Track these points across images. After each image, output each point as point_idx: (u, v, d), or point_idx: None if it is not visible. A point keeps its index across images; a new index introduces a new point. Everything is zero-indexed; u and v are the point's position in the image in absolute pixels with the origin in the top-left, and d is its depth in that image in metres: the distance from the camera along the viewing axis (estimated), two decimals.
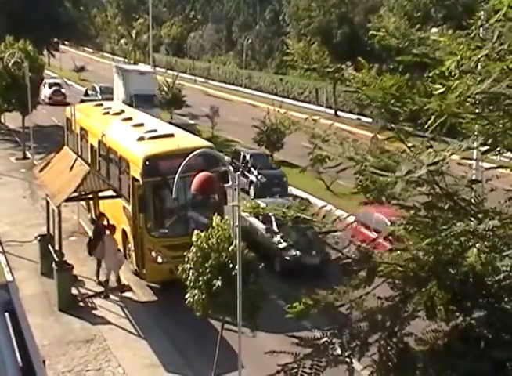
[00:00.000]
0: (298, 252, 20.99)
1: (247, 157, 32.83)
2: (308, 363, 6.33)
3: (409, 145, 6.37)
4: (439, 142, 6.05)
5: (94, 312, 18.68)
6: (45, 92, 52.05)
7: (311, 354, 6.32)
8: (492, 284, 5.61)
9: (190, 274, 14.28)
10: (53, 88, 54.51)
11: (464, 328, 5.90)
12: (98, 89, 52.81)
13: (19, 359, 4.39)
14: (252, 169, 31.74)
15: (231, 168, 15.16)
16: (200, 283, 14.08)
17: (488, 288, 5.65)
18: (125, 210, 20.99)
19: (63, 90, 53.28)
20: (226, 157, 28.73)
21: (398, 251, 6.27)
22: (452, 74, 5.72)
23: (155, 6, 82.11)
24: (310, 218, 6.77)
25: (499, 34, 5.42)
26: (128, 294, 19.94)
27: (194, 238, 14.41)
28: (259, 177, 31.15)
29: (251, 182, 31.21)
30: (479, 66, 5.69)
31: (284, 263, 21.11)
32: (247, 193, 30.10)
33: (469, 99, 5.68)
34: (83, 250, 23.03)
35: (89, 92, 53.16)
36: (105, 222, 21.05)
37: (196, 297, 14.14)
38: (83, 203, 25.41)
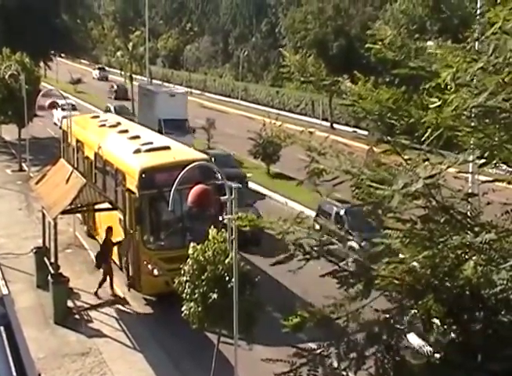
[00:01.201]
0: None
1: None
2: (305, 374, 6.31)
3: (406, 158, 6.38)
4: (436, 155, 6.06)
5: (89, 324, 18.61)
6: (58, 115, 45.77)
7: (307, 363, 6.29)
8: (488, 297, 5.61)
9: (186, 287, 14.26)
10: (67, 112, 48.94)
11: (461, 341, 5.88)
12: (112, 109, 48.28)
13: (14, 373, 4.37)
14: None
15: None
16: (196, 295, 14.06)
17: (484, 301, 5.64)
18: (121, 222, 20.95)
19: (77, 113, 47.00)
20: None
21: (395, 264, 6.27)
22: (448, 87, 5.74)
23: (151, 19, 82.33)
24: (307, 231, 6.76)
25: (494, 47, 5.44)
26: (123, 306, 19.88)
27: (190, 251, 14.40)
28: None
29: None
30: (475, 80, 5.71)
31: None
32: None
33: (465, 113, 5.69)
34: (79, 262, 23.01)
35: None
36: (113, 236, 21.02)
37: (192, 309, 14.11)
38: (79, 215, 25.37)
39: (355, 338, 6.35)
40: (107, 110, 45.35)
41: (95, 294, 20.20)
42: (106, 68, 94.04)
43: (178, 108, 41.10)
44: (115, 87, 71.33)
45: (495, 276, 5.41)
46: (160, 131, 34.83)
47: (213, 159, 33.46)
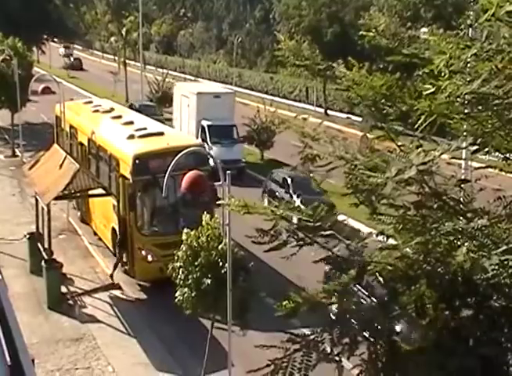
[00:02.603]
0: None
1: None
2: (298, 359, 6.35)
3: (399, 144, 6.40)
4: (429, 142, 6.08)
5: (83, 310, 18.64)
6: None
7: (300, 349, 6.34)
8: (480, 283, 5.65)
9: (180, 272, 14.27)
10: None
11: (453, 326, 5.93)
12: (137, 106, 42.12)
13: (7, 358, 4.38)
14: None
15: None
16: (190, 281, 14.08)
17: (476, 287, 5.68)
18: (115, 208, 20.94)
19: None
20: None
21: (388, 250, 6.30)
22: (442, 74, 5.75)
23: (145, 4, 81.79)
24: (300, 217, 6.78)
25: (487, 34, 5.45)
26: (117, 292, 19.91)
27: (184, 237, 14.40)
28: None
29: None
30: (468, 67, 5.72)
31: None
32: None
33: (458, 100, 5.71)
34: (72, 248, 23.01)
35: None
36: None
37: (185, 295, 14.13)
38: (73, 201, 25.35)
39: (348, 323, 6.39)
40: (132, 108, 37.90)
41: (111, 276, 20.26)
42: (71, 46, 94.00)
43: (224, 112, 34.34)
44: (72, 59, 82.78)
45: (487, 262, 5.45)
46: (203, 140, 31.49)
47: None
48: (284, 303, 6.50)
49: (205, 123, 33.94)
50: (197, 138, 32.84)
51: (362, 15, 41.45)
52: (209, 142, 32.30)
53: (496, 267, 5.43)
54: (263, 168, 33.54)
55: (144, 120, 26.07)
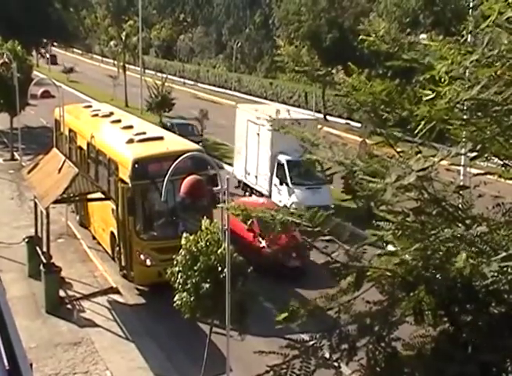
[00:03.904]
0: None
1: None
2: (297, 365, 6.34)
3: (398, 150, 6.41)
4: (428, 148, 6.09)
5: (81, 314, 18.62)
6: None
7: (299, 355, 6.33)
8: (479, 289, 5.64)
9: (179, 277, 14.27)
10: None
11: (452, 333, 5.92)
12: (174, 126, 37.82)
13: (5, 362, 4.37)
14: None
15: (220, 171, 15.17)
16: (189, 285, 14.08)
17: (475, 293, 5.68)
18: (114, 212, 20.93)
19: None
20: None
21: (387, 256, 6.30)
22: (442, 80, 5.76)
23: (145, 8, 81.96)
24: (299, 221, 6.78)
25: (488, 40, 5.46)
26: (115, 296, 19.89)
27: (183, 241, 14.41)
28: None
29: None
30: (468, 73, 5.73)
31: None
32: None
33: (458, 106, 5.72)
34: (71, 252, 23.00)
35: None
36: None
37: (184, 299, 14.13)
38: (72, 205, 25.34)
39: (346, 329, 6.39)
40: (165, 127, 34.10)
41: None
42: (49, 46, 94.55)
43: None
44: (47, 55, 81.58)
45: (486, 269, 5.44)
46: (281, 180, 26.34)
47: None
48: (283, 310, 6.49)
49: (283, 158, 26.45)
50: (272, 176, 27.05)
51: (361, 20, 41.62)
52: (289, 184, 25.98)
53: (496, 274, 5.43)
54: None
55: (143, 124, 26.09)
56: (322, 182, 25.92)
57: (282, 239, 15.59)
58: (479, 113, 5.71)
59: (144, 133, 22.37)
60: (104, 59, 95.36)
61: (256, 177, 28.78)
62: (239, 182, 29.94)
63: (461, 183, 6.58)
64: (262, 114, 24.54)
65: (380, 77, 6.79)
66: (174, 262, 14.45)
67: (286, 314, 6.38)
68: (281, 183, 26.26)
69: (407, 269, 6.07)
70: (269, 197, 26.71)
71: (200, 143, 28.97)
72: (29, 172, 22.55)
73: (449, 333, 5.94)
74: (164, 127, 34.09)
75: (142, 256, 19.67)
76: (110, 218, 21.33)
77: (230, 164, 35.38)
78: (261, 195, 27.31)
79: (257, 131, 28.27)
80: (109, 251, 22.07)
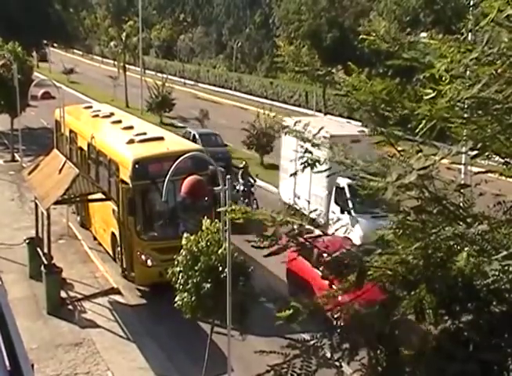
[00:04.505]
0: None
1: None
2: (298, 365, 6.34)
3: (399, 149, 6.40)
4: (429, 147, 6.08)
5: (83, 315, 18.61)
6: None
7: (300, 355, 6.33)
8: (480, 288, 5.64)
9: (180, 277, 14.26)
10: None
11: (453, 331, 5.92)
12: (197, 136, 35.49)
13: (7, 363, 4.37)
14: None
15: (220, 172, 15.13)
16: (190, 286, 14.07)
17: (476, 292, 5.67)
18: (114, 213, 20.93)
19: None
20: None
21: (388, 255, 6.29)
22: (443, 78, 5.75)
23: (145, 9, 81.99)
24: (301, 223, 6.78)
25: (488, 38, 5.45)
26: (116, 297, 19.89)
27: (184, 241, 14.40)
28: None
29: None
30: (468, 71, 5.72)
31: None
32: None
33: (458, 104, 5.71)
34: (72, 253, 23.00)
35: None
36: None
37: (185, 300, 14.12)
38: (73, 205, 25.34)
39: (348, 328, 6.39)
40: (187, 137, 32.84)
41: None
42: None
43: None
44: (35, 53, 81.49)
45: (488, 267, 5.44)
46: (342, 208, 22.39)
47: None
48: (284, 309, 6.49)
49: (344, 181, 21.90)
50: (329, 203, 23.37)
51: (361, 20, 41.56)
52: (352, 212, 21.98)
53: (497, 272, 5.42)
54: (263, 172, 33.52)
55: (144, 125, 26.09)
56: (390, 209, 21.55)
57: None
58: (480, 112, 5.71)
59: (144, 133, 22.37)
60: (104, 59, 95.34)
61: (308, 202, 24.70)
62: (287, 205, 25.94)
63: (462, 182, 6.58)
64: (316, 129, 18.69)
65: (381, 76, 6.77)
66: (175, 262, 14.44)
67: (287, 312, 6.38)
68: (342, 211, 22.22)
69: (408, 268, 6.07)
70: (325, 226, 24.05)
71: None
72: (29, 173, 22.54)
73: (450, 332, 5.94)
74: (184, 137, 32.32)
75: (143, 256, 19.66)
76: (111, 219, 21.32)
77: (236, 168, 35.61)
78: (317, 225, 26.08)
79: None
80: (110, 252, 22.06)
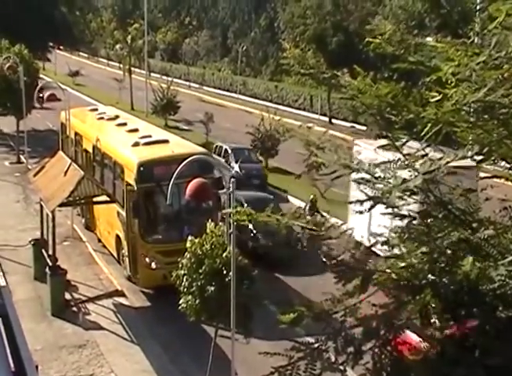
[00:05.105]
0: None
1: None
2: (303, 367, 6.32)
3: (404, 153, 6.39)
4: (434, 151, 6.06)
5: (87, 317, 18.62)
6: None
7: (305, 357, 6.31)
8: (486, 293, 5.61)
9: (184, 280, 14.26)
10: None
11: (458, 336, 5.89)
12: (229, 151, 33.41)
13: (11, 364, 4.37)
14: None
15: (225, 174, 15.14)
16: (194, 288, 14.07)
17: (482, 297, 5.65)
18: (119, 215, 20.95)
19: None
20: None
21: (393, 259, 6.27)
22: (449, 82, 5.74)
23: (150, 12, 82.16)
24: (304, 226, 6.76)
25: (495, 42, 5.44)
26: (121, 299, 19.89)
27: (188, 244, 14.39)
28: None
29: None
30: (474, 75, 5.70)
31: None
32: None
33: (464, 108, 5.69)
34: (76, 255, 23.01)
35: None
36: None
37: (189, 302, 14.12)
38: (78, 208, 25.36)
39: (352, 332, 6.36)
40: (218, 152, 32.73)
41: None
42: None
43: None
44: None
45: (493, 272, 5.42)
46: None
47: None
48: (288, 312, 6.47)
49: None
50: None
51: (367, 23, 41.47)
52: None
53: (503, 278, 5.40)
54: (268, 176, 33.53)
55: (149, 127, 26.10)
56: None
57: None
58: (486, 116, 5.69)
59: (149, 136, 22.38)
60: (110, 62, 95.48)
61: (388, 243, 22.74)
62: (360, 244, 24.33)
63: (467, 186, 6.56)
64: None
65: (386, 80, 6.76)
66: (180, 265, 14.44)
67: (291, 316, 6.36)
68: None
69: (413, 273, 6.05)
70: None
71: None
72: (35, 175, 22.58)
73: (455, 336, 5.91)
74: (217, 152, 32.89)
75: (147, 259, 19.66)
76: (116, 221, 21.33)
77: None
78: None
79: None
80: (115, 254, 22.08)
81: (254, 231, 22.04)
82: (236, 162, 31.19)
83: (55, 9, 55.49)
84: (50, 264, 19.43)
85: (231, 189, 13.77)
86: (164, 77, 69.29)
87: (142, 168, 19.80)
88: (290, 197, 30.82)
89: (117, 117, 27.16)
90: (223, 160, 32.69)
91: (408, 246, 6.17)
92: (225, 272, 13.88)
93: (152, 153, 20.84)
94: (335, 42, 54.27)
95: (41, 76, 43.19)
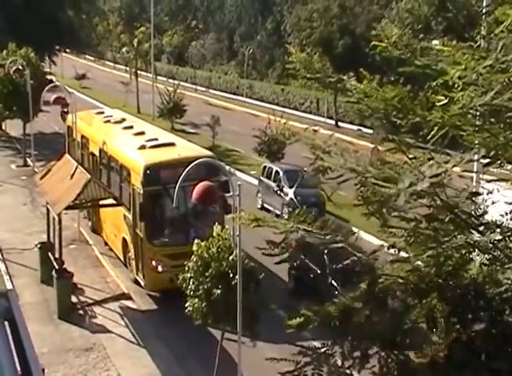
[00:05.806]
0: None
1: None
2: (309, 372, 6.31)
3: (411, 156, 6.38)
4: (441, 154, 6.05)
5: (93, 320, 18.64)
6: None
7: (311, 362, 6.30)
8: (493, 297, 5.60)
9: (190, 283, 14.27)
10: None
11: (465, 340, 5.88)
12: (281, 174, 29.25)
13: (18, 368, 4.38)
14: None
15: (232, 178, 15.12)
16: (200, 292, 14.07)
17: (489, 301, 5.63)
18: (126, 218, 20.97)
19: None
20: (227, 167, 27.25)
21: (399, 263, 6.26)
22: (455, 85, 5.73)
23: (156, 15, 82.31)
24: (310, 229, 6.75)
25: (502, 46, 5.43)
26: (127, 302, 19.91)
27: (195, 247, 14.40)
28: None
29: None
30: (481, 79, 5.70)
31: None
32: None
33: (471, 111, 5.69)
34: (83, 258, 23.04)
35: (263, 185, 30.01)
36: None
37: (195, 306, 14.13)
38: (84, 211, 25.41)
39: (359, 336, 6.35)
40: (267, 175, 30.24)
41: None
42: None
43: None
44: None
45: (500, 276, 5.41)
46: None
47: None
48: (295, 317, 6.46)
49: None
50: None
51: (373, 27, 41.38)
52: None
53: (510, 281, 5.39)
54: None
55: (155, 130, 26.13)
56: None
57: None
58: (492, 119, 5.68)
59: (156, 139, 22.41)
60: (116, 65, 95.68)
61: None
62: None
63: (474, 190, 6.55)
64: None
65: (392, 83, 6.76)
66: (186, 268, 14.45)
67: (298, 320, 6.36)
68: None
69: (419, 276, 6.04)
70: None
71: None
72: (41, 178, 22.63)
73: (462, 340, 5.90)
74: (263, 174, 30.38)
75: (153, 262, 19.67)
76: (122, 224, 21.36)
77: (242, 171, 35.39)
78: None
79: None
80: (121, 257, 22.10)
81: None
82: (291, 187, 26.76)
83: (61, 13, 55.66)
84: (57, 267, 19.46)
85: (237, 193, 13.77)
86: (171, 81, 69.33)
87: (148, 171, 19.82)
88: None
89: (123, 120, 27.21)
90: (275, 185, 28.36)
91: (414, 249, 6.16)
92: (231, 275, 13.89)
93: (158, 156, 20.87)
94: (341, 45, 54.28)
95: (50, 78, 43.17)
